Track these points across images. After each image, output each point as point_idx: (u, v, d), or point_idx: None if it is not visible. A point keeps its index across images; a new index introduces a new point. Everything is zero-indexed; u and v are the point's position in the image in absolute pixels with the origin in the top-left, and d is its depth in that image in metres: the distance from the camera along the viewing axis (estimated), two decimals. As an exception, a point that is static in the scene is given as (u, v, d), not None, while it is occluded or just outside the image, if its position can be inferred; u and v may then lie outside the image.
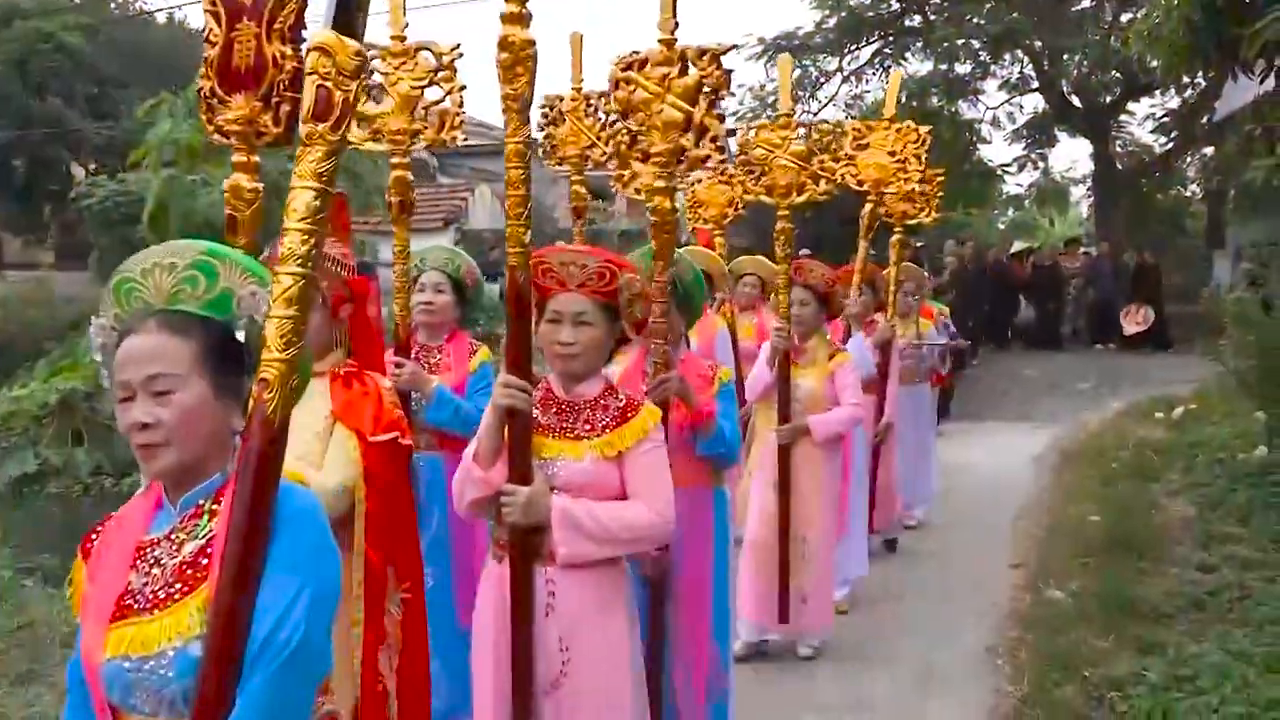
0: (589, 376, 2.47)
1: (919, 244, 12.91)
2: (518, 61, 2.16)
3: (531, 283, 2.35)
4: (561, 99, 3.96)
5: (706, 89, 2.80)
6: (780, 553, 4.21)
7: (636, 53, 2.86)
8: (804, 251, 13.27)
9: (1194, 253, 17.92)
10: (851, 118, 18.95)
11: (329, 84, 1.43)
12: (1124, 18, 17.05)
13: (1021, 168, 20.76)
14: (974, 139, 19.93)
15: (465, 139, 3.46)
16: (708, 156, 2.80)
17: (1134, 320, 15.31)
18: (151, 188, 11.30)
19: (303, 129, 1.45)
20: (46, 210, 19.97)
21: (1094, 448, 8.74)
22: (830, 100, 19.98)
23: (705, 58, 2.78)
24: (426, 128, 3.39)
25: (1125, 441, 8.70)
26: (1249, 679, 3.83)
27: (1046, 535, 6.23)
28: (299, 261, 1.41)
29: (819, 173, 4.14)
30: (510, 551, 2.35)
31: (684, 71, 2.78)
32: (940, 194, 5.89)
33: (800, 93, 19.67)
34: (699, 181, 6.22)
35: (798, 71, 19.36)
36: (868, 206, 5.12)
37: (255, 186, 2.41)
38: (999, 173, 20.95)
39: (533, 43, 2.18)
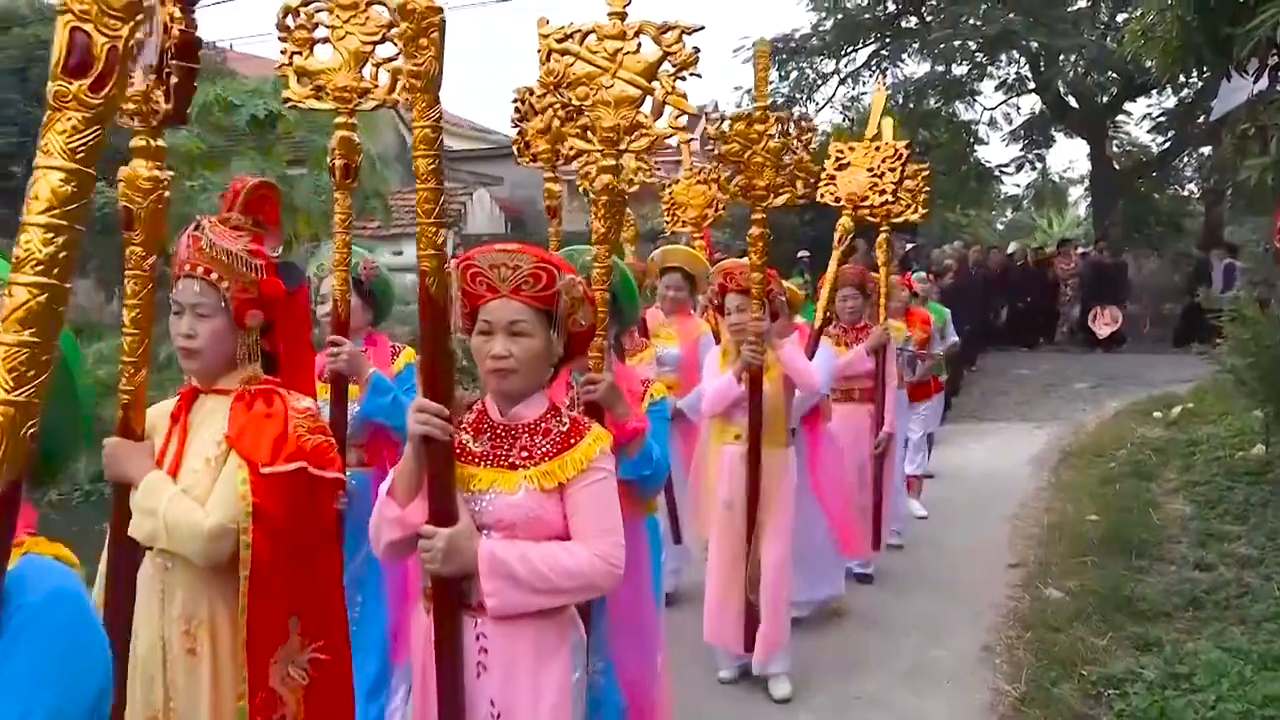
0: (529, 395, 2.15)
1: (911, 244, 12.89)
2: (421, 33, 1.86)
3: (461, 290, 2.11)
4: (533, 91, 3.71)
5: (670, 67, 2.62)
6: (747, 572, 3.96)
7: (572, 23, 2.70)
8: (802, 254, 13.30)
9: (1191, 251, 17.91)
10: (849, 120, 19.05)
11: (87, 27, 1.07)
12: (1119, 18, 17.10)
13: (1019, 168, 20.82)
14: (971, 140, 19.97)
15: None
16: (671, 134, 2.66)
17: (1104, 321, 15.36)
18: (150, 194, 11.30)
19: (50, 87, 1.10)
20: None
21: (1092, 447, 8.75)
22: (827, 102, 20.05)
23: (670, 34, 2.61)
24: (376, 86, 3.10)
25: (1123, 441, 8.71)
26: (1246, 676, 3.85)
27: (1045, 534, 6.24)
28: (40, 268, 1.06)
29: (796, 173, 3.83)
30: (434, 602, 2.05)
31: (639, 48, 2.64)
32: (927, 189, 5.67)
33: (797, 94, 19.72)
34: (676, 182, 6.10)
35: (794, 74, 19.39)
36: (842, 218, 4.96)
37: (155, 175, 2.10)
38: (997, 173, 20.98)
39: (438, 10, 1.90)
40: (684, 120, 2.65)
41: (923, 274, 8.26)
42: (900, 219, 5.58)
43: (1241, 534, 5.77)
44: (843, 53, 19.64)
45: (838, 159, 5.11)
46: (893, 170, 5.00)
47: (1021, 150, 20.42)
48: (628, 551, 2.70)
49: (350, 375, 3.14)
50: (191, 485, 2.08)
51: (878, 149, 5.09)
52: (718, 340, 5.08)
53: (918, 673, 4.37)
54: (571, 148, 3.09)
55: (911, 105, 18.76)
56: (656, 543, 3.09)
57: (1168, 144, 19.28)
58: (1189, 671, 3.96)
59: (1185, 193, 21.43)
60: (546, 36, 2.69)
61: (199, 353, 2.14)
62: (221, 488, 2.05)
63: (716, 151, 3.85)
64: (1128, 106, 19.63)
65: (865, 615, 5.08)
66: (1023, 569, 5.64)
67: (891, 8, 19.33)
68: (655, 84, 2.62)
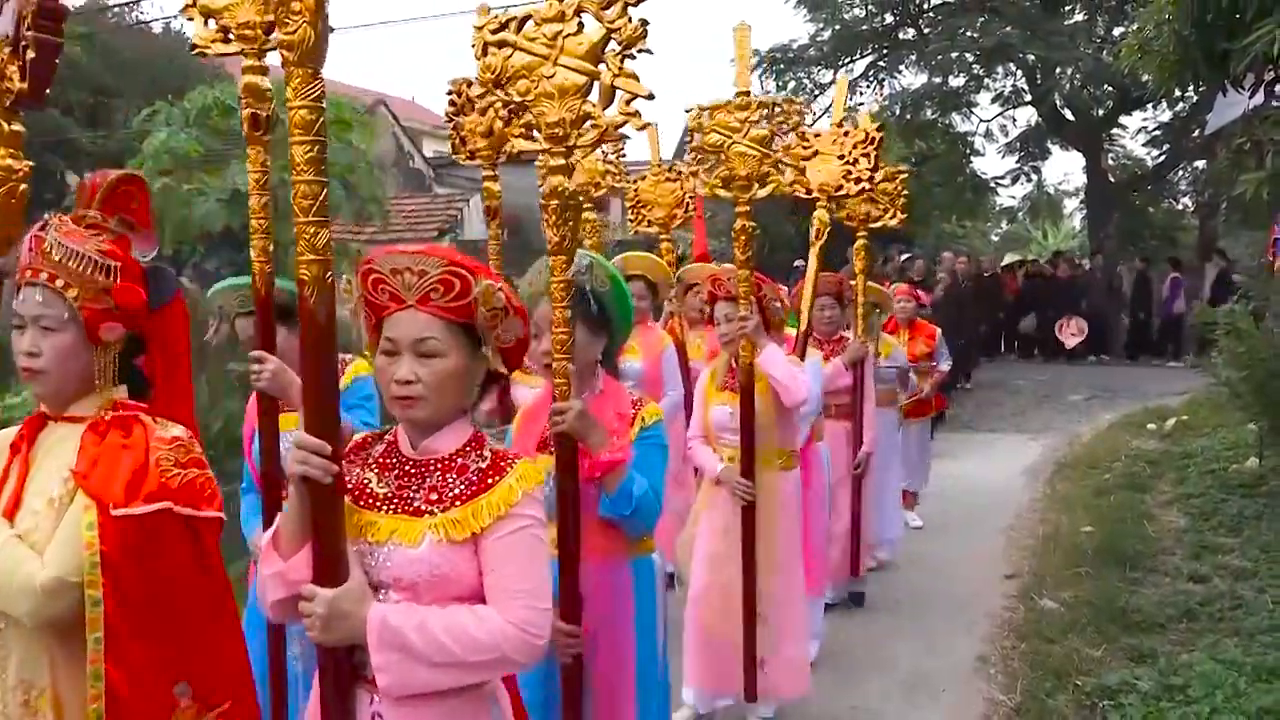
0: (445, 425, 1.79)
1: (907, 255, 12.88)
2: None
3: (364, 299, 1.79)
4: (470, 83, 3.43)
5: (615, 45, 2.30)
6: (744, 613, 3.61)
7: (508, 10, 2.42)
8: (799, 263, 13.30)
9: (1187, 264, 18.00)
10: (845, 132, 19.07)
11: None
12: (1115, 32, 17.18)
13: (1015, 180, 20.86)
14: (968, 151, 20.04)
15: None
16: (623, 122, 2.33)
17: (1069, 332, 15.38)
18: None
19: None
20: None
21: (1087, 459, 8.77)
22: (825, 112, 20.09)
23: (613, 8, 2.30)
24: (287, 21, 2.79)
25: (1118, 452, 8.73)
26: (1240, 688, 3.85)
27: (1040, 545, 6.25)
28: None
29: (783, 161, 3.46)
30: (320, 675, 1.74)
31: (580, 29, 2.34)
32: (905, 193, 5.20)
33: (795, 104, 19.74)
34: (642, 178, 5.54)
35: (792, 84, 19.45)
36: (817, 211, 4.52)
37: (8, 164, 1.86)
38: (993, 185, 21.06)
39: None
40: (636, 105, 2.35)
41: (903, 286, 7.67)
42: (879, 224, 5.19)
43: (1235, 546, 5.78)
44: (840, 63, 19.67)
45: (803, 149, 4.86)
46: (866, 156, 4.52)
47: (1017, 162, 20.49)
48: (606, 605, 2.52)
49: (278, 396, 2.75)
50: (30, 529, 1.74)
51: (846, 134, 4.64)
52: (680, 353, 4.84)
53: (913, 683, 4.37)
54: (514, 149, 2.74)
55: (909, 116, 18.81)
56: (650, 587, 2.68)
57: (1163, 157, 19.37)
58: (1183, 683, 3.96)
59: (1180, 206, 21.53)
60: (481, 29, 2.43)
61: (44, 373, 1.81)
62: (63, 533, 1.72)
63: (694, 143, 3.51)
64: (1123, 120, 19.70)
65: (863, 623, 5.08)
66: (1018, 580, 5.65)
67: (889, 19, 19.40)
68: (601, 66, 2.33)
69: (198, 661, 1.81)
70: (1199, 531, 6.16)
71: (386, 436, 1.86)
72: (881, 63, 19.55)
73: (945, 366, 6.96)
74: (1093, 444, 9.51)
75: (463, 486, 1.75)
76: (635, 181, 5.58)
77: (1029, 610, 5.08)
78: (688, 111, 3.50)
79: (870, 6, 19.17)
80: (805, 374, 3.79)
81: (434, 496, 1.74)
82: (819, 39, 19.42)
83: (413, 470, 1.78)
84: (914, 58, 18.93)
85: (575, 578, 2.45)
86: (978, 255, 18.72)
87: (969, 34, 17.58)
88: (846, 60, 19.69)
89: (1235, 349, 6.95)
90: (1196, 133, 15.95)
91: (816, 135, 4.65)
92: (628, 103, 2.32)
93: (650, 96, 2.31)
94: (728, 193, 3.50)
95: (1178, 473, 7.66)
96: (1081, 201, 23.24)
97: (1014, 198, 23.29)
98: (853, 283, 5.22)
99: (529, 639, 1.71)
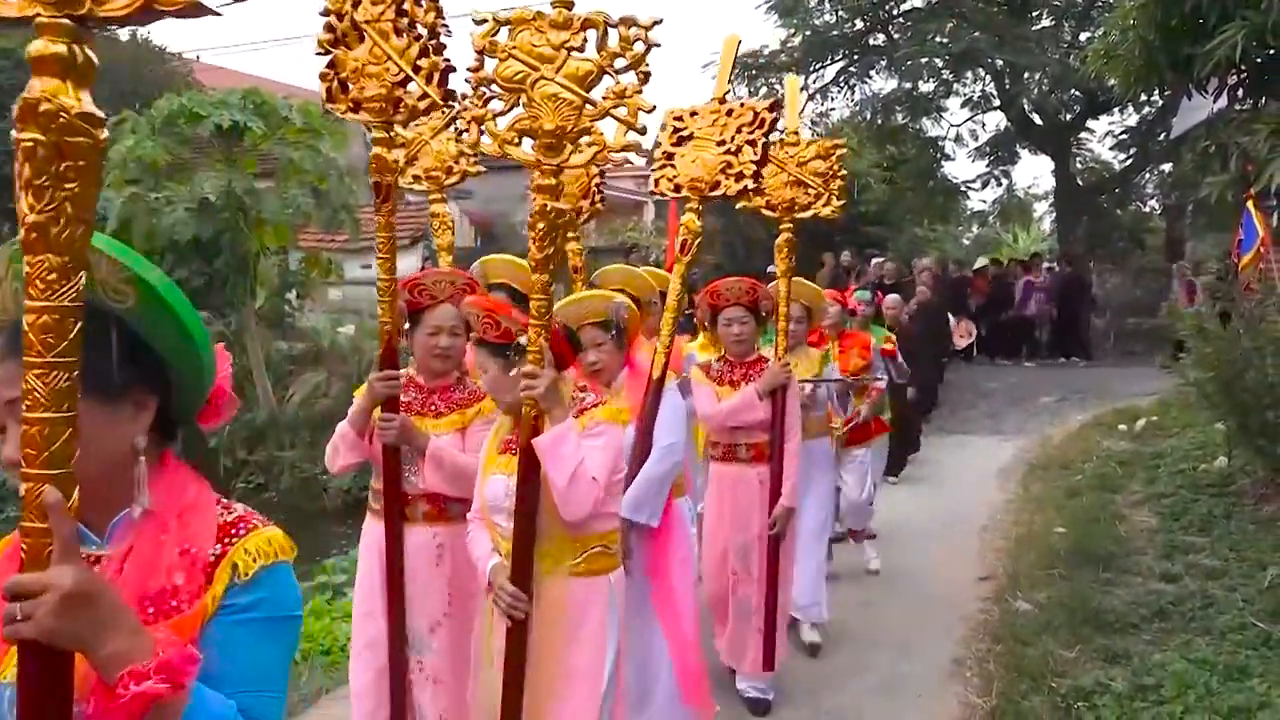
0: None
1: (881, 258, 12.91)
2: None
3: None
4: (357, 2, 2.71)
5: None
6: None
7: None
8: (771, 269, 13.33)
9: (1154, 267, 18.26)
10: (817, 136, 19.19)
11: None
12: (1082, 37, 17.41)
13: (985, 184, 21.07)
14: (938, 156, 20.21)
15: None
16: (429, 102, 1.76)
17: (959, 334, 15.50)
18: (114, 206, 11.17)
19: None
20: (5, 229, 19.73)
21: (1059, 460, 8.84)
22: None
23: None
24: None
25: (1089, 454, 8.81)
26: (1212, 687, 3.89)
27: (1014, 547, 6.29)
28: None
29: (615, 114, 2.32)
30: None
31: None
32: (842, 174, 4.09)
33: (767, 110, 19.79)
34: None
35: (763, 89, 19.55)
36: (685, 215, 3.49)
37: None
38: (963, 189, 21.24)
39: None
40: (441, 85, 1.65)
41: (866, 294, 7.08)
42: (809, 213, 4.09)
43: (1205, 546, 5.83)
44: (811, 69, 19.80)
45: (675, 130, 3.62)
46: (753, 144, 3.45)
47: (987, 166, 20.70)
48: None
49: None
50: None
51: (730, 113, 3.54)
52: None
53: (889, 686, 4.38)
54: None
55: (879, 121, 18.99)
56: None
57: (1130, 161, 19.64)
58: (1156, 683, 4.00)
59: (1147, 209, 21.83)
60: None
61: None
62: None
63: (481, 74, 2.36)
64: (1090, 124, 19.97)
65: (836, 629, 5.08)
66: (992, 581, 5.68)
67: (859, 25, 19.53)
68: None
69: None
70: (1170, 531, 6.22)
71: None
72: (852, 68, 19.69)
73: (882, 383, 6.05)
74: (1064, 445, 9.59)
75: None
76: None
77: (1004, 612, 5.10)
78: (480, 23, 2.36)
79: (840, 13, 19.30)
80: (601, 472, 2.50)
81: None
82: (789, 45, 19.52)
83: None
84: (884, 63, 19.08)
85: None
86: (946, 259, 18.85)
87: (938, 39, 17.75)
88: (817, 66, 19.82)
89: (1202, 350, 7.03)
90: (1162, 136, 16.19)
91: (693, 114, 3.65)
92: (428, 80, 1.59)
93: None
94: (522, 152, 2.36)
95: (1148, 473, 7.74)
96: (1051, 205, 23.52)
97: (984, 202, 23.52)
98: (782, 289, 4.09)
99: None
